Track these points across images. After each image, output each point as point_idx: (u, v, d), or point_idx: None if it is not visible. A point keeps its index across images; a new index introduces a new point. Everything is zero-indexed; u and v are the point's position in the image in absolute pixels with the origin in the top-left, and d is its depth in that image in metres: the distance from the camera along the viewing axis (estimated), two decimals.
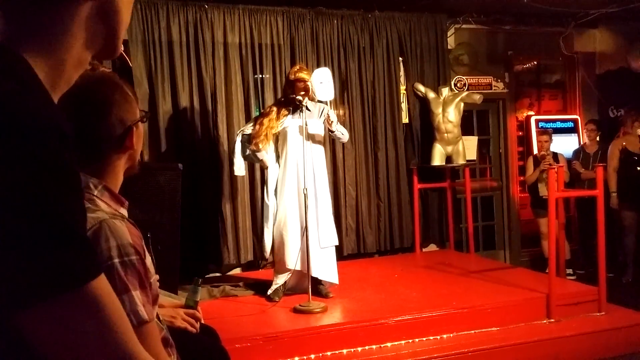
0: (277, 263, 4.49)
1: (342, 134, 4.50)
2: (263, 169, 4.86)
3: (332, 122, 4.35)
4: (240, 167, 4.56)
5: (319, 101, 4.48)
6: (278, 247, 4.43)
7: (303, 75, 4.34)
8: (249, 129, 4.44)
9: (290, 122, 4.38)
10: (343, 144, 5.79)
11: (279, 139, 4.48)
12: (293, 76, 4.36)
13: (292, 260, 4.31)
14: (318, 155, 4.43)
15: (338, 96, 5.83)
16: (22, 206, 0.64)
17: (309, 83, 4.30)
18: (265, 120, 4.34)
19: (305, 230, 4.15)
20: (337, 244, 4.65)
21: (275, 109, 4.44)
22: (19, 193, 0.64)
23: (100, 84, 1.33)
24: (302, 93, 4.26)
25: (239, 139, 4.50)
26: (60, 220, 0.66)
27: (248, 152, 4.41)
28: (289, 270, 4.37)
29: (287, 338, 3.69)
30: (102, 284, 0.71)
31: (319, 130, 4.44)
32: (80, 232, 0.70)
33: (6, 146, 0.64)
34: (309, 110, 4.33)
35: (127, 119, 1.33)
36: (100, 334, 0.70)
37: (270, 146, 4.46)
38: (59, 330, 0.67)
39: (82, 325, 0.68)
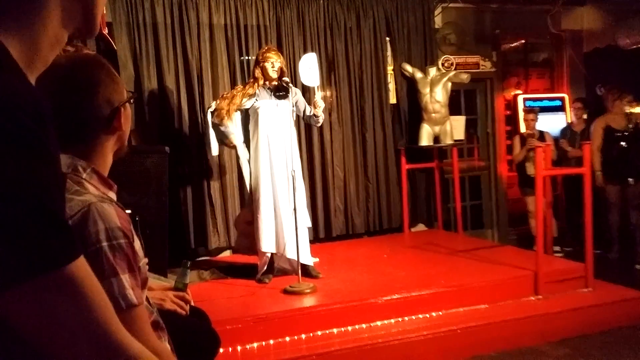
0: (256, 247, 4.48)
1: (322, 118, 4.53)
2: (230, 148, 4.76)
3: (319, 107, 4.37)
4: (215, 148, 4.55)
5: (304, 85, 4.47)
6: (254, 231, 4.42)
7: (271, 55, 4.33)
8: (213, 106, 4.43)
9: (262, 103, 4.34)
10: (330, 124, 5.79)
11: (250, 120, 4.45)
12: (261, 57, 4.36)
13: (267, 243, 4.31)
14: (293, 137, 4.43)
15: (325, 77, 5.79)
16: None
17: (278, 62, 4.30)
18: (228, 95, 4.36)
19: (294, 212, 4.15)
20: (310, 225, 4.68)
21: (240, 87, 4.45)
22: None
23: (86, 64, 1.30)
24: (276, 72, 4.27)
25: (209, 118, 4.46)
26: (36, 201, 0.64)
27: (215, 127, 4.40)
28: (264, 253, 4.36)
29: (278, 319, 3.70)
30: (81, 267, 0.69)
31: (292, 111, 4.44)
32: (58, 213, 0.68)
33: None
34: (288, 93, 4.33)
35: (115, 99, 1.31)
36: (79, 317, 0.68)
37: (238, 126, 4.44)
38: (37, 314, 0.66)
39: (60, 308, 0.67)
